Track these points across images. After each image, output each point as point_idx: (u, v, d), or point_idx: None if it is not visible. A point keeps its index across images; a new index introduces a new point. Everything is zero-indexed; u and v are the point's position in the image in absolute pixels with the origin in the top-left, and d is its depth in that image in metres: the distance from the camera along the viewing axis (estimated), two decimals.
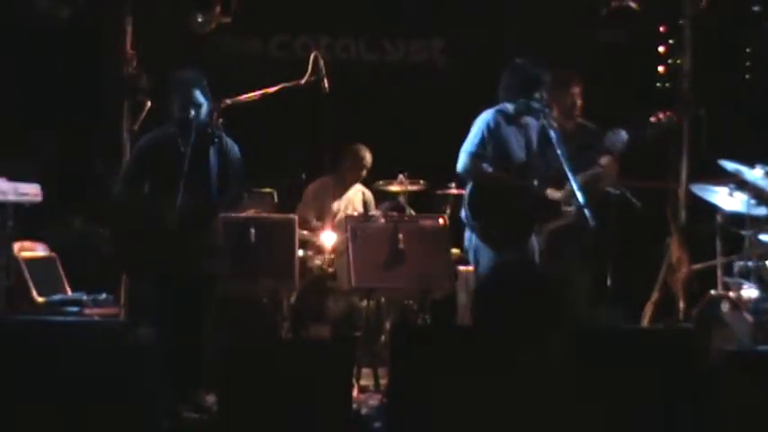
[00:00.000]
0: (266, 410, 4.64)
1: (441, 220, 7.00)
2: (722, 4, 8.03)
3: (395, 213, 7.36)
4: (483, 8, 8.85)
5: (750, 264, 6.69)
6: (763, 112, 8.02)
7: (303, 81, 6.60)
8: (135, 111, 7.55)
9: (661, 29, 8.60)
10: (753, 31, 8.53)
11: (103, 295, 6.85)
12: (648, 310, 7.68)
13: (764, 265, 6.69)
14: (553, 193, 6.24)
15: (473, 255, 6.31)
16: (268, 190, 7.05)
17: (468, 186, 6.30)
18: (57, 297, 6.77)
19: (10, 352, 4.68)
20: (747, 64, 8.75)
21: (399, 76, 9.16)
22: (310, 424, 4.62)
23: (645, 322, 7.53)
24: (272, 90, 6.50)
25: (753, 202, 6.62)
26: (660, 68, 8.64)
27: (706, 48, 8.09)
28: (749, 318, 6.51)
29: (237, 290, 6.52)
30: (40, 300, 6.69)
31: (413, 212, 7.63)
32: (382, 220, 6.93)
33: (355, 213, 7.62)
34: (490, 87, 6.39)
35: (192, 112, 5.81)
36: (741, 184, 6.65)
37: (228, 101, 6.17)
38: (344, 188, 8.06)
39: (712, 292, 6.97)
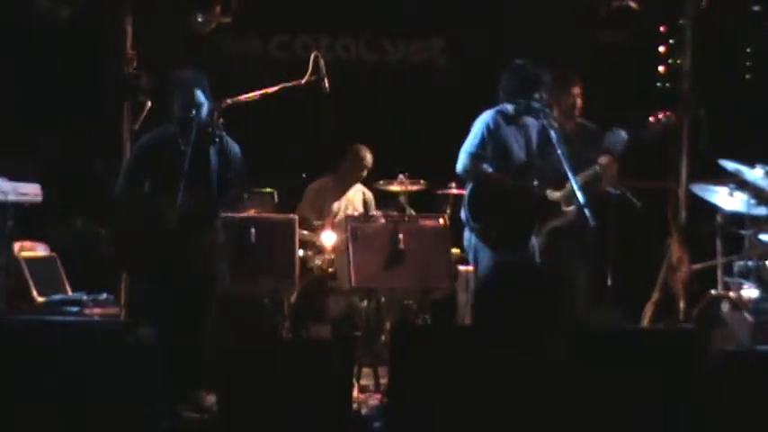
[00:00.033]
0: (266, 410, 4.64)
1: (441, 220, 7.00)
2: (722, 4, 8.03)
3: (395, 213, 7.37)
4: (483, 8, 8.86)
5: (750, 264, 6.69)
6: (763, 112, 8.02)
7: (303, 81, 6.60)
8: (135, 111, 7.54)
9: (661, 29, 8.61)
10: (753, 31, 8.54)
11: (103, 295, 6.85)
12: (648, 310, 7.68)
13: (764, 265, 6.69)
14: (552, 194, 6.25)
15: (473, 255, 6.32)
16: (268, 190, 7.06)
17: (468, 187, 6.30)
18: (57, 297, 6.77)
19: (10, 352, 4.68)
20: (747, 64, 8.75)
21: (399, 76, 9.16)
22: (310, 424, 4.62)
23: (645, 322, 7.53)
24: (272, 90, 6.49)
25: (753, 201, 6.62)
26: (660, 68, 8.65)
27: (706, 48, 8.09)
28: (749, 318, 6.51)
29: (237, 290, 6.52)
30: (40, 300, 6.69)
31: (413, 212, 7.63)
32: (382, 220, 6.94)
33: (355, 213, 7.62)
34: (490, 87, 6.39)
35: (193, 112, 5.81)
36: (741, 183, 6.65)
37: (229, 101, 6.17)
38: (345, 188, 8.06)
39: (712, 292, 6.96)
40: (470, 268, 6.89)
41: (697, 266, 7.66)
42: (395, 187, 7.86)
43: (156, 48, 7.84)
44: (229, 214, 6.43)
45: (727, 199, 6.82)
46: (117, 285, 7.29)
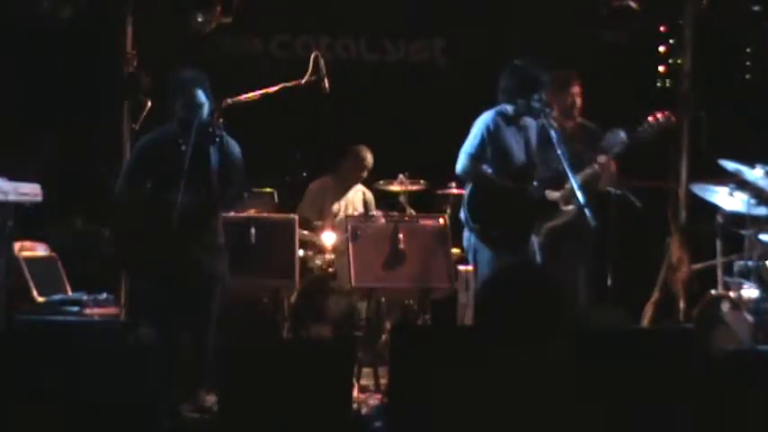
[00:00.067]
0: (266, 410, 4.64)
1: (441, 220, 7.00)
2: (722, 4, 8.03)
3: (395, 213, 7.37)
4: (483, 8, 8.85)
5: (750, 264, 6.69)
6: (763, 112, 8.01)
7: (303, 81, 6.60)
8: (135, 111, 7.54)
9: (661, 29, 8.61)
10: (753, 31, 8.53)
11: (103, 295, 6.85)
12: (648, 310, 7.68)
13: (764, 264, 6.68)
14: (552, 194, 6.25)
15: (472, 255, 6.33)
16: (268, 190, 7.05)
17: (468, 188, 6.31)
18: (57, 297, 6.77)
19: (10, 351, 4.68)
20: (747, 64, 8.75)
21: (399, 76, 9.16)
22: (310, 424, 4.62)
23: (645, 322, 7.52)
24: (272, 90, 6.50)
25: (753, 201, 6.62)
26: (660, 68, 8.65)
27: (706, 48, 8.09)
28: (749, 318, 6.51)
29: (237, 290, 6.51)
30: (41, 300, 6.69)
31: (413, 212, 7.63)
32: (382, 220, 6.94)
33: (356, 213, 7.62)
34: (490, 87, 6.39)
35: (195, 112, 5.81)
36: (741, 183, 6.65)
37: (229, 101, 6.17)
38: (345, 189, 8.06)
39: (712, 292, 6.96)
40: (470, 268, 6.88)
41: (697, 266, 7.65)
42: (395, 187, 7.86)
43: (156, 48, 7.84)
44: (229, 214, 6.43)
45: (727, 199, 6.81)
46: (117, 285, 7.30)
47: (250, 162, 6.05)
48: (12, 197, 6.21)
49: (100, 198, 6.87)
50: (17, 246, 6.74)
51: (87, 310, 6.65)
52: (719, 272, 7.11)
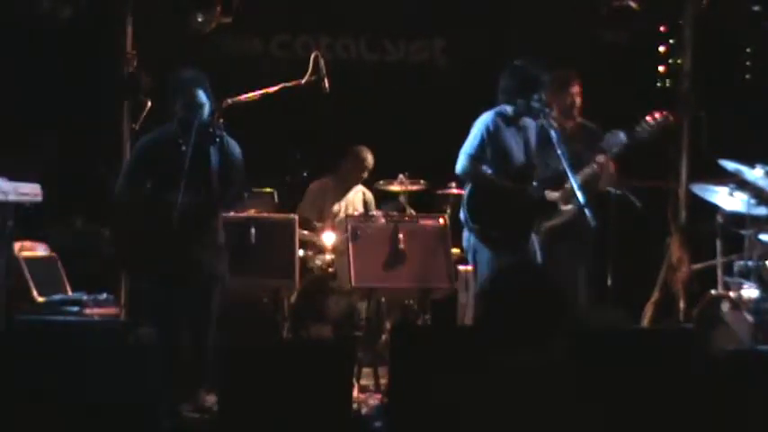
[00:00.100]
0: (266, 410, 4.64)
1: (441, 220, 7.00)
2: (722, 4, 8.03)
3: (395, 213, 7.37)
4: (483, 8, 8.85)
5: (750, 264, 6.69)
6: (763, 112, 8.01)
7: (303, 81, 6.60)
8: (135, 111, 7.54)
9: (661, 29, 8.60)
10: (753, 31, 8.53)
11: (103, 295, 6.85)
12: (648, 310, 7.68)
13: (764, 264, 6.69)
14: (551, 194, 6.25)
15: (472, 255, 6.33)
16: (268, 190, 7.05)
17: (467, 188, 6.31)
18: (57, 297, 6.77)
19: (10, 351, 4.68)
20: (747, 64, 8.75)
21: (399, 76, 9.15)
22: (310, 424, 4.62)
23: (645, 322, 7.52)
24: (272, 90, 6.50)
25: (753, 201, 6.62)
26: (660, 68, 8.65)
27: (706, 48, 8.09)
28: (749, 318, 6.51)
29: (237, 290, 6.52)
30: (41, 300, 6.69)
31: (413, 212, 7.63)
32: (382, 220, 6.94)
33: (356, 213, 7.62)
34: (490, 87, 6.39)
35: (195, 112, 5.81)
36: (741, 183, 6.65)
37: (229, 101, 6.17)
38: (345, 189, 8.05)
39: (712, 292, 6.96)
40: (470, 268, 6.89)
41: (697, 266, 7.65)
42: (395, 187, 7.86)
43: (156, 48, 7.84)
44: (229, 214, 6.43)
45: (727, 199, 6.82)
46: (117, 285, 7.30)
47: (250, 162, 6.05)
48: (12, 197, 6.21)
49: (100, 198, 6.87)
50: (17, 246, 6.74)
51: (87, 310, 6.65)
52: (719, 272, 7.11)
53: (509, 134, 6.27)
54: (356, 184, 8.07)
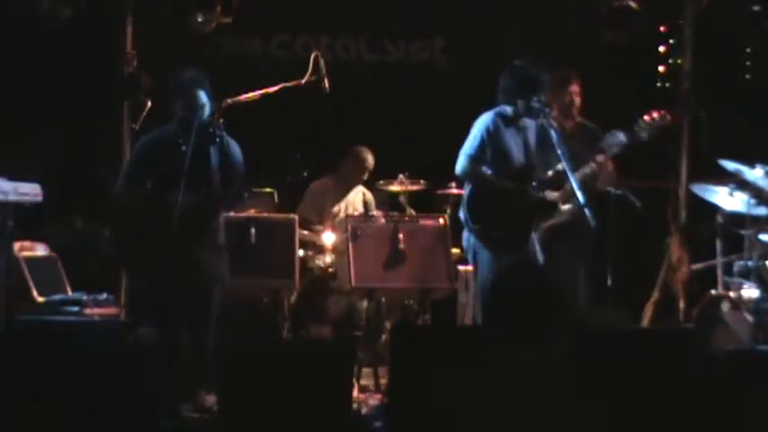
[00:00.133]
0: (266, 410, 4.64)
1: (441, 220, 7.00)
2: (722, 4, 8.02)
3: (395, 213, 7.37)
4: (483, 8, 8.85)
5: (750, 264, 6.69)
6: (763, 112, 8.01)
7: (303, 81, 6.60)
8: (135, 111, 7.54)
9: (661, 29, 8.60)
10: (753, 31, 8.53)
11: (103, 295, 6.85)
12: (648, 310, 7.67)
13: (764, 264, 6.69)
14: (551, 194, 6.25)
15: (472, 255, 6.32)
16: (268, 190, 7.05)
17: (467, 189, 6.30)
18: (57, 297, 6.77)
19: (10, 351, 4.68)
20: (747, 64, 8.75)
21: (399, 76, 9.15)
22: (310, 424, 4.62)
23: (645, 322, 7.52)
24: (272, 90, 6.50)
25: (753, 201, 6.62)
26: (660, 68, 8.64)
27: (706, 48, 8.09)
28: (749, 318, 6.51)
29: (237, 290, 6.52)
30: (41, 300, 6.69)
31: (413, 212, 7.63)
32: (382, 220, 6.94)
33: (356, 213, 7.62)
34: (490, 87, 6.38)
35: (195, 112, 5.81)
36: (741, 183, 6.65)
37: (229, 101, 6.17)
38: (345, 190, 8.04)
39: (712, 292, 6.96)
40: (470, 268, 6.88)
41: (697, 266, 7.65)
42: (395, 187, 7.86)
43: (156, 48, 7.84)
44: (229, 214, 6.43)
45: (727, 199, 6.82)
46: (117, 285, 7.30)
47: (250, 162, 6.05)
48: (12, 197, 6.21)
49: (100, 198, 6.87)
50: (17, 246, 6.74)
51: (87, 310, 6.65)
52: (719, 272, 7.11)
53: (509, 135, 6.27)
54: (356, 184, 8.06)
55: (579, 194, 5.82)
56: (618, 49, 8.44)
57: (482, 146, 6.23)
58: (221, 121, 5.95)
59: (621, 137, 6.32)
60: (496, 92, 6.34)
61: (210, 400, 5.61)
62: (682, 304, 7.62)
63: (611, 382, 4.58)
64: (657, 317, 7.63)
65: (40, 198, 6.41)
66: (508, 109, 6.29)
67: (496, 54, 7.88)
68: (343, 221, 7.20)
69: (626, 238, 7.18)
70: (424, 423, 4.53)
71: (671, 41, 8.52)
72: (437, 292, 7.00)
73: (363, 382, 6.85)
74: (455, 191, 7.62)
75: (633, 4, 8.02)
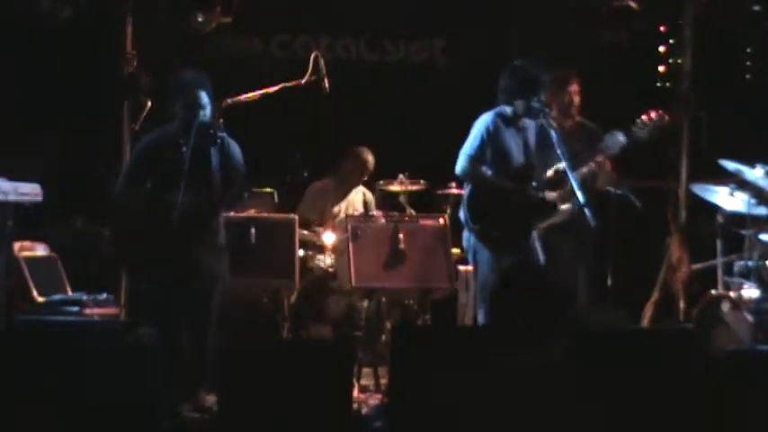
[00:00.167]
0: (266, 410, 4.64)
1: (441, 220, 7.00)
2: (722, 4, 8.03)
3: (395, 213, 7.37)
4: (483, 8, 8.85)
5: (750, 264, 6.69)
6: (763, 112, 8.01)
7: (303, 81, 6.61)
8: (135, 111, 7.54)
9: (661, 29, 8.60)
10: (753, 31, 8.53)
11: (103, 295, 6.85)
12: (648, 310, 7.68)
13: (765, 264, 6.69)
14: (551, 194, 6.25)
15: (472, 255, 6.33)
16: (268, 190, 7.05)
17: (467, 189, 6.31)
18: (57, 297, 6.77)
19: (10, 351, 4.68)
20: (747, 64, 8.75)
21: (399, 76, 9.15)
22: (310, 424, 4.62)
23: (645, 322, 7.52)
24: (272, 90, 6.50)
25: (753, 201, 6.62)
26: (660, 68, 8.64)
27: (706, 48, 8.09)
28: (749, 318, 6.51)
29: (237, 290, 6.52)
30: (41, 300, 6.69)
31: (413, 212, 7.63)
32: (382, 220, 6.94)
33: (356, 213, 7.62)
34: (490, 87, 6.39)
35: (196, 113, 5.81)
36: (741, 183, 6.65)
37: (229, 101, 6.17)
38: (346, 191, 8.03)
39: (712, 292, 6.96)
40: (470, 268, 6.88)
41: (697, 266, 7.65)
42: (395, 187, 7.86)
43: (156, 48, 7.84)
44: (229, 214, 6.43)
45: (727, 199, 6.82)
46: (117, 285, 7.30)
47: (250, 162, 6.05)
48: (12, 197, 6.21)
49: (100, 198, 6.87)
50: (17, 246, 6.75)
51: (87, 310, 6.65)
52: (719, 272, 7.11)
53: (509, 135, 6.27)
54: (357, 185, 8.06)
55: (579, 194, 5.82)
56: (618, 49, 8.44)
57: (482, 146, 6.23)
58: (221, 121, 5.95)
59: (621, 137, 6.32)
60: (496, 92, 6.35)
61: (210, 400, 5.61)
62: (682, 304, 7.62)
63: (611, 382, 4.58)
64: (657, 317, 7.63)
65: (40, 198, 6.41)
66: (508, 109, 6.29)
67: (496, 54, 7.88)
68: (344, 221, 7.20)
69: (626, 238, 7.19)
70: (424, 423, 4.54)
71: (671, 41, 8.52)
72: (437, 292, 7.00)
73: (363, 382, 6.85)
74: (455, 191, 7.62)
75: (633, 4, 8.02)
